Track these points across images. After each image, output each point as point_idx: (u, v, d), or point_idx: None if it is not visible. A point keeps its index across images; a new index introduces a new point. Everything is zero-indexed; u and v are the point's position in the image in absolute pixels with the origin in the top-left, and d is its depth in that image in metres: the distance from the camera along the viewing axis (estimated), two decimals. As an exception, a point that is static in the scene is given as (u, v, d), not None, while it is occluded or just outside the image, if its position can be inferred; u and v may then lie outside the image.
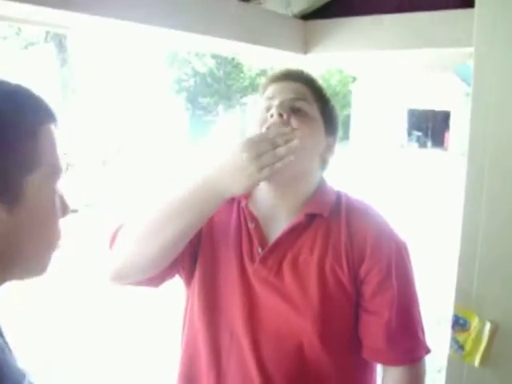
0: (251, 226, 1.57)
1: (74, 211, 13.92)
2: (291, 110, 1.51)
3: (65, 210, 1.04)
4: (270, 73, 1.68)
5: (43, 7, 1.63)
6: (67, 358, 5.85)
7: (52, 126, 0.99)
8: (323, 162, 1.61)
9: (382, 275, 1.50)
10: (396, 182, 19.68)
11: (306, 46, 2.36)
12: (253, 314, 1.51)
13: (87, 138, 23.25)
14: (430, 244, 10.00)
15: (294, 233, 1.53)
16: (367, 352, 1.53)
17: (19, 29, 29.30)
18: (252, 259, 1.55)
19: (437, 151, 36.87)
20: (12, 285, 0.98)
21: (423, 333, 1.56)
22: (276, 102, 1.52)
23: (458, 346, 1.23)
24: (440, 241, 10.42)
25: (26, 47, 30.34)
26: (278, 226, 1.56)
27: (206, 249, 1.60)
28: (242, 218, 1.60)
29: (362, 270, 1.50)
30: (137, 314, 7.07)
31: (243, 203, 1.59)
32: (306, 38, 2.35)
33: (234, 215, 1.62)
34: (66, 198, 1.04)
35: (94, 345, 6.21)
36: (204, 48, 2.27)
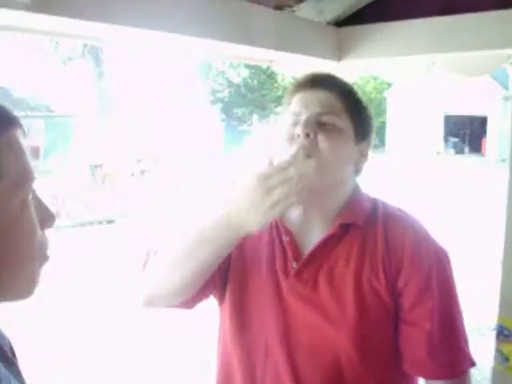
0: (285, 239, 1.54)
1: (111, 222, 14.09)
2: (318, 125, 1.45)
3: (47, 219, 0.95)
4: (297, 78, 1.63)
5: (79, 20, 1.64)
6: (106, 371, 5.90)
7: (14, 133, 0.91)
8: (356, 169, 1.57)
9: (421, 285, 1.45)
10: (433, 189, 19.43)
11: (339, 53, 2.34)
12: (288, 331, 1.49)
13: (124, 149, 23.55)
14: (470, 252, 9.83)
15: (329, 244, 1.49)
16: (408, 365, 1.48)
17: (57, 43, 29.89)
18: (286, 274, 1.51)
19: (474, 157, 36.39)
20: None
21: (467, 344, 1.50)
22: (302, 119, 1.46)
23: (502, 358, 1.19)
24: (480, 249, 10.24)
25: (64, 62, 30.91)
26: (312, 238, 1.52)
27: (237, 268, 1.58)
28: (275, 232, 1.57)
29: (400, 281, 1.46)
30: (170, 329, 7.08)
31: (278, 219, 1.55)
32: (339, 44, 2.32)
33: (266, 230, 1.56)
34: (47, 205, 0.96)
35: (125, 356, 6.25)
36: (238, 57, 2.28)
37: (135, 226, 13.87)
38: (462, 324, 1.51)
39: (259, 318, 1.53)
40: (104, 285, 8.80)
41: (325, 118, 1.45)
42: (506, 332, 1.15)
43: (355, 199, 1.55)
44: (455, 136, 39.90)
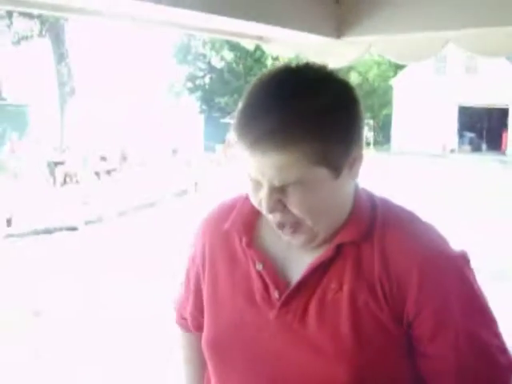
0: (259, 268, 1.49)
1: (73, 229, 14.02)
2: (283, 193, 1.37)
3: None
4: (237, 117, 1.39)
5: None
6: None
7: None
8: (352, 177, 1.52)
9: (439, 312, 1.40)
10: (446, 193, 19.53)
11: (339, 29, 2.29)
12: (277, 371, 1.48)
13: (88, 145, 23.49)
14: (488, 264, 9.94)
15: (321, 267, 1.44)
16: None
17: (11, 21, 29.75)
18: (271, 307, 1.48)
19: (493, 156, 36.53)
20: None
21: (505, 352, 1.46)
22: (262, 195, 1.39)
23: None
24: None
25: (18, 42, 30.77)
26: (298, 263, 1.49)
27: (211, 305, 1.61)
28: (250, 258, 1.53)
29: (409, 309, 1.39)
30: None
31: (244, 242, 1.53)
32: (339, 18, 2.29)
33: (237, 255, 1.57)
34: None
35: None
36: (221, 32, 2.25)
37: (101, 235, 13.82)
38: (494, 333, 1.46)
39: (243, 358, 1.53)
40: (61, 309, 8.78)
41: (288, 188, 1.36)
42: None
43: (356, 212, 1.48)
44: (471, 131, 40.02)
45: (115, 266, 10.72)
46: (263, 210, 1.40)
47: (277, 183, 1.35)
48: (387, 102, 42.81)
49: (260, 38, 2.49)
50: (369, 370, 1.41)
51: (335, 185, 1.39)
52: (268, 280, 1.49)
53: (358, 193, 1.51)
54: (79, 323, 7.87)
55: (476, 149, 39.00)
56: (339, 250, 1.44)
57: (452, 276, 1.42)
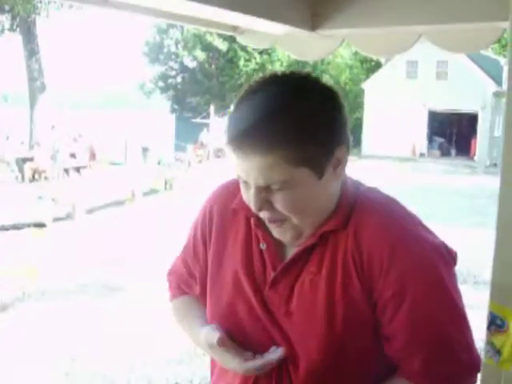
0: (263, 247, 1.60)
1: (41, 226, 13.90)
2: (269, 191, 1.46)
3: None
4: (229, 120, 1.51)
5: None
6: None
7: None
8: (336, 178, 1.53)
9: (397, 298, 1.45)
10: (416, 197, 19.70)
11: (313, 21, 2.29)
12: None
13: (57, 142, 23.26)
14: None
15: (305, 253, 1.54)
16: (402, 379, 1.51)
17: (-21, 15, 29.38)
18: (265, 284, 1.58)
19: (462, 161, 36.95)
20: None
21: (470, 352, 1.48)
22: (250, 194, 1.49)
23: (494, 351, 1.20)
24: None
25: (-13, 36, 30.38)
26: (293, 248, 1.57)
27: (215, 276, 1.70)
28: (254, 238, 1.63)
29: (376, 290, 1.46)
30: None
31: (253, 222, 1.61)
32: (313, 10, 2.28)
33: (242, 234, 1.65)
34: None
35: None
36: (199, 22, 2.24)
37: (68, 232, 13.73)
38: (461, 330, 1.49)
39: (245, 328, 1.61)
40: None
41: (273, 187, 1.45)
42: (498, 322, 1.16)
43: (339, 205, 1.54)
44: (441, 135, 40.41)
45: (82, 263, 10.66)
46: (252, 207, 1.50)
47: (261, 183, 1.44)
48: (358, 106, 43.01)
49: (235, 28, 2.49)
50: (340, 351, 1.48)
51: (319, 184, 1.48)
52: (267, 260, 1.59)
53: (345, 186, 1.58)
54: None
55: (445, 154, 39.38)
56: (322, 238, 1.52)
57: (420, 263, 1.46)
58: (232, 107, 1.52)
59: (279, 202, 1.46)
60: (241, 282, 1.61)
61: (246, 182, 1.49)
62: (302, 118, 1.42)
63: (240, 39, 2.52)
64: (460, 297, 1.51)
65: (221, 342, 1.53)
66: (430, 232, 1.54)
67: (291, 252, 1.56)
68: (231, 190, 1.68)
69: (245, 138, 1.42)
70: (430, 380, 1.48)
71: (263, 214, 1.51)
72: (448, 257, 1.52)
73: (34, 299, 8.67)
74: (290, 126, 1.41)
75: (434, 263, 1.48)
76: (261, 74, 1.55)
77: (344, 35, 2.35)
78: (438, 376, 1.47)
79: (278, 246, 1.59)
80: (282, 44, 2.49)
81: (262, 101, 1.44)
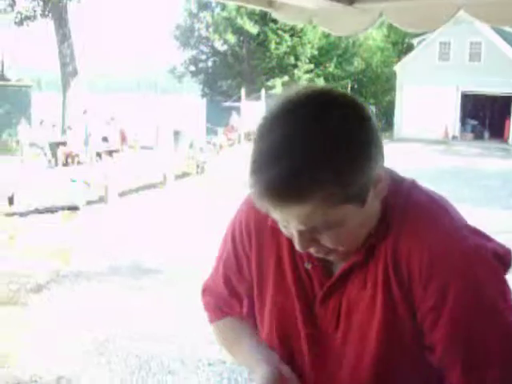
0: (308, 266, 1.53)
1: (74, 208, 14.04)
2: (314, 231, 1.36)
3: None
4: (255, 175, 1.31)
5: None
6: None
7: None
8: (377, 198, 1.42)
9: (436, 311, 1.38)
10: (448, 181, 19.52)
11: (351, -7, 2.28)
12: (320, 359, 1.56)
13: (90, 126, 23.42)
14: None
15: (351, 269, 1.48)
16: None
17: (14, 1, 29.62)
18: (314, 301, 1.55)
19: (495, 143, 36.49)
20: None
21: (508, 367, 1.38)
22: (293, 233, 1.39)
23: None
24: None
25: (21, 22, 30.62)
26: (339, 264, 1.51)
27: (259, 295, 1.66)
28: (298, 257, 1.55)
29: (416, 297, 1.40)
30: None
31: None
32: (350, -16, 2.28)
33: (287, 252, 1.58)
34: None
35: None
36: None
37: (101, 215, 13.84)
38: (503, 346, 1.39)
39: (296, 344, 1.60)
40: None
41: (317, 229, 1.35)
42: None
43: (382, 216, 1.44)
44: (474, 118, 39.94)
45: (115, 245, 10.75)
46: (296, 247, 1.41)
47: (303, 228, 1.34)
48: (390, 88, 42.68)
49: (270, 3, 2.46)
50: (390, 368, 1.46)
51: (363, 212, 1.37)
52: (315, 279, 1.53)
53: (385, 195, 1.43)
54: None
55: (478, 136, 38.92)
56: (368, 251, 1.45)
57: (461, 272, 1.38)
58: (253, 150, 1.32)
59: (326, 240, 1.38)
60: (291, 301, 1.57)
61: (285, 226, 1.40)
62: (331, 148, 1.27)
63: (275, 15, 2.48)
64: (509, 307, 1.40)
65: None
66: (477, 234, 1.43)
67: (337, 267, 1.51)
68: None
69: (277, 188, 1.26)
70: None
71: (309, 250, 1.42)
72: (497, 263, 1.41)
73: (69, 281, 8.77)
74: (322, 164, 1.26)
75: (477, 272, 1.39)
76: (281, 96, 1.35)
77: (381, 9, 2.30)
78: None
79: (323, 262, 1.52)
80: (318, 19, 2.45)
81: (284, 144, 1.27)
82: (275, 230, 1.51)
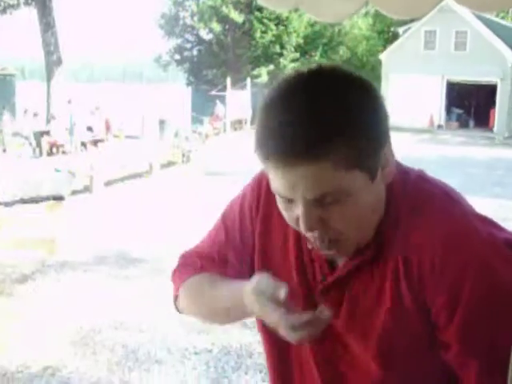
0: (310, 247, 1.46)
1: (59, 198, 13.97)
2: (320, 207, 1.30)
3: None
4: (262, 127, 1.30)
5: None
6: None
7: None
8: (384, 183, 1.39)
9: (449, 307, 1.34)
10: (433, 169, 19.58)
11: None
12: (321, 351, 1.53)
13: (74, 114, 23.28)
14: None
15: (362, 268, 1.43)
16: None
17: (-5, -11, 29.36)
18: (315, 288, 1.50)
19: (481, 132, 36.67)
20: None
21: None
22: (297, 211, 1.31)
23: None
24: None
25: (3, 10, 30.39)
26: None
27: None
28: (303, 241, 1.50)
29: (428, 293, 1.36)
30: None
31: None
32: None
33: (293, 236, 1.53)
34: None
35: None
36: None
37: (86, 205, 13.79)
38: None
39: None
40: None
41: (326, 200, 1.28)
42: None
43: (389, 207, 1.40)
44: (459, 107, 40.06)
45: (100, 235, 10.73)
46: (301, 228, 1.33)
47: (312, 196, 1.27)
48: (376, 77, 42.69)
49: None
50: (395, 365, 1.43)
51: (372, 188, 1.33)
52: (316, 260, 1.50)
53: (391, 184, 1.41)
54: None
55: (463, 125, 39.06)
56: (376, 248, 1.40)
57: (476, 265, 1.33)
58: (262, 114, 1.31)
59: (334, 216, 1.31)
60: (293, 286, 1.49)
61: (290, 201, 1.32)
62: (350, 111, 1.26)
63: (261, 1, 2.46)
64: None
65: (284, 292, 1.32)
66: (488, 224, 1.40)
67: (341, 259, 1.46)
68: None
69: (292, 144, 1.23)
70: None
71: (313, 235, 1.35)
72: (509, 254, 1.36)
73: (54, 271, 8.73)
74: (340, 122, 1.24)
75: (492, 263, 1.35)
76: (292, 71, 1.34)
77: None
78: None
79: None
80: (304, 5, 2.44)
81: (303, 100, 1.25)
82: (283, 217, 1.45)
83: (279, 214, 1.44)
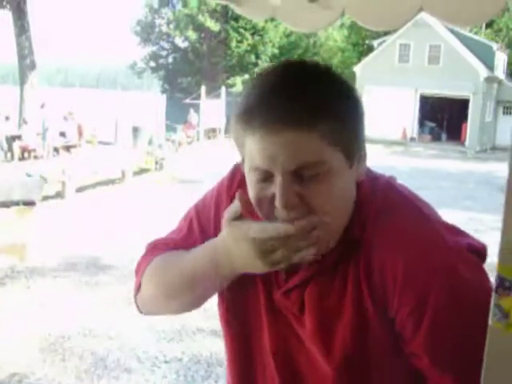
0: None
1: (30, 204, 13.84)
2: (299, 182, 1.28)
3: None
4: (247, 94, 1.32)
5: None
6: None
7: None
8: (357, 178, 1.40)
9: (415, 315, 1.33)
10: (405, 182, 19.73)
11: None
12: (281, 349, 1.51)
13: (47, 119, 23.10)
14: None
15: (327, 263, 1.40)
16: None
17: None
18: (278, 286, 1.48)
19: (453, 145, 37.05)
20: None
21: None
22: (275, 189, 1.28)
23: (501, 314, 1.17)
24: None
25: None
26: None
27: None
28: None
29: (391, 304, 1.34)
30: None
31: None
32: (313, -20, 2.28)
33: None
34: None
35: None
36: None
37: (58, 210, 13.68)
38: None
39: (255, 332, 1.56)
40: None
41: (306, 173, 1.27)
42: (506, 284, 1.13)
43: (358, 207, 1.39)
44: (432, 120, 40.46)
45: (71, 241, 10.64)
46: (278, 204, 1.28)
47: (293, 165, 1.25)
48: (350, 89, 42.97)
49: (231, -4, 2.44)
50: (356, 366, 1.41)
51: (349, 175, 1.33)
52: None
53: (361, 184, 1.42)
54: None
55: (436, 138, 39.48)
56: (341, 250, 1.39)
57: (439, 276, 1.32)
58: (249, 88, 1.32)
59: (312, 194, 1.28)
60: (255, 285, 1.51)
61: (266, 178, 1.29)
62: (340, 95, 1.30)
63: (238, 10, 2.47)
64: (488, 303, 1.30)
65: (241, 195, 1.33)
66: (453, 232, 1.39)
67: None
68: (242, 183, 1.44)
69: (278, 111, 1.23)
70: None
71: (288, 215, 1.29)
72: (474, 260, 1.37)
73: (24, 277, 8.64)
74: (330, 100, 1.27)
75: (455, 274, 1.34)
76: (253, 56, 1.40)
77: (344, 5, 2.31)
78: None
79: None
80: (280, 15, 2.45)
81: (293, 78, 1.28)
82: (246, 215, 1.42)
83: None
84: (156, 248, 1.66)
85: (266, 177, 1.29)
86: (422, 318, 1.31)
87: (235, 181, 1.56)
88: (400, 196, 1.44)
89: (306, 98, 1.25)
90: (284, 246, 1.28)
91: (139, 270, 1.65)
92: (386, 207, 1.39)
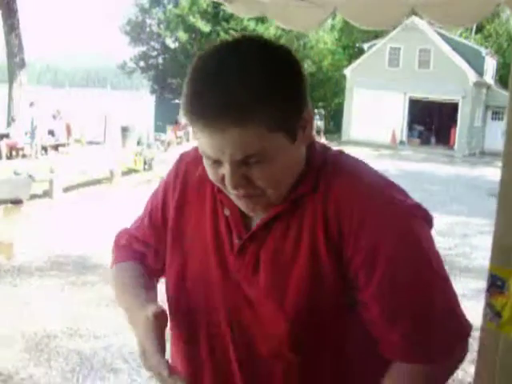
0: (227, 213, 1.54)
1: (17, 202, 13.76)
2: (245, 166, 1.37)
3: None
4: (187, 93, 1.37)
5: None
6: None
7: None
8: (304, 144, 1.47)
9: (368, 264, 1.38)
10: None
11: (305, -10, 2.28)
12: (234, 311, 1.53)
13: (36, 118, 22.99)
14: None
15: (273, 220, 1.47)
16: (380, 348, 1.45)
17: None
18: (231, 250, 1.52)
19: (442, 149, 37.19)
20: None
21: (454, 317, 1.41)
22: (224, 173, 1.39)
23: (493, 314, 1.17)
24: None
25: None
26: (260, 214, 1.50)
27: (177, 246, 1.64)
28: (219, 204, 1.56)
29: (346, 255, 1.39)
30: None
31: (216, 188, 1.54)
32: (306, -22, 2.28)
33: (209, 201, 1.59)
34: None
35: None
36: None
37: (45, 210, 13.62)
38: (443, 295, 1.41)
39: (206, 297, 1.57)
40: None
41: (251, 160, 1.35)
42: (498, 283, 1.12)
43: (309, 167, 1.47)
44: (421, 124, 40.58)
45: (58, 240, 10.59)
46: (228, 186, 1.40)
47: (238, 157, 1.34)
48: (340, 92, 43.03)
49: (225, -4, 2.43)
50: (307, 321, 1.44)
51: (292, 149, 1.40)
52: (232, 226, 1.53)
53: (312, 149, 1.52)
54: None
55: (425, 142, 39.59)
56: (292, 203, 1.46)
57: (392, 225, 1.39)
58: (188, 83, 1.37)
59: (258, 175, 1.38)
60: (208, 251, 1.56)
61: (216, 161, 1.39)
62: (271, 78, 1.33)
63: (230, 7, 2.45)
64: (439, 260, 1.44)
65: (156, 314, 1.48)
66: (403, 193, 1.47)
67: (257, 218, 1.50)
68: (199, 158, 1.50)
69: (217, 112, 1.29)
70: (413, 355, 1.41)
71: (238, 192, 1.42)
72: (423, 218, 1.45)
73: (10, 276, 8.59)
74: (262, 89, 1.31)
75: (408, 225, 1.41)
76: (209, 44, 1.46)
77: (335, 4, 2.30)
78: (421, 349, 1.40)
79: (243, 212, 1.51)
80: (272, 13, 2.44)
81: (225, 70, 1.32)
82: (202, 180, 1.57)
83: (196, 191, 1.61)
84: (121, 245, 1.87)
85: (217, 161, 1.38)
86: (374, 267, 1.37)
87: (181, 170, 1.70)
88: (350, 158, 1.55)
89: (242, 91, 1.30)
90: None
91: (112, 258, 1.87)
92: (338, 165, 1.49)
